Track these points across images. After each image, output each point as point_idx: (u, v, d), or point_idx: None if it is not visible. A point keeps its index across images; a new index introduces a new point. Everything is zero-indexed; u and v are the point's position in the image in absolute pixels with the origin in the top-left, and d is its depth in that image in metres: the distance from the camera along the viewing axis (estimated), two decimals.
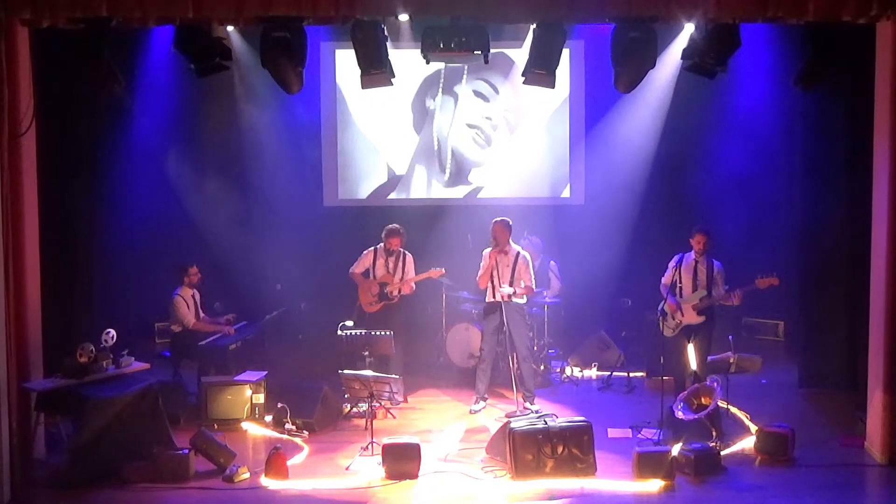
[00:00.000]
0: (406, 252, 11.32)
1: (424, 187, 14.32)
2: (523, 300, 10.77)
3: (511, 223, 10.66)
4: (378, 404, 10.10)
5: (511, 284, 10.53)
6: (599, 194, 13.90)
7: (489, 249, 10.69)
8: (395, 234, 11.18)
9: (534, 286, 10.74)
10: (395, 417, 10.50)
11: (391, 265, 11.23)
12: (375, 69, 9.25)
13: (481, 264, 10.72)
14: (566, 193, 14.27)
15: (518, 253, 10.67)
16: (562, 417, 9.11)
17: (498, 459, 8.93)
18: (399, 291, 11.20)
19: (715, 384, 9.42)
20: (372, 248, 11.37)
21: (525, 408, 10.41)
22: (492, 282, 10.59)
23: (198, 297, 11.43)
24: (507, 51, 13.62)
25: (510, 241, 10.65)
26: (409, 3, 8.68)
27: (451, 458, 9.19)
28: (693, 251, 10.14)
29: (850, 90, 10.36)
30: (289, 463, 8.79)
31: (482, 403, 10.78)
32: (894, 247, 8.80)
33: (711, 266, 10.07)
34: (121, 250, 12.65)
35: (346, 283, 11.53)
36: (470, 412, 10.67)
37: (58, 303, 9.89)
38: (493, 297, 10.61)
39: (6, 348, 8.32)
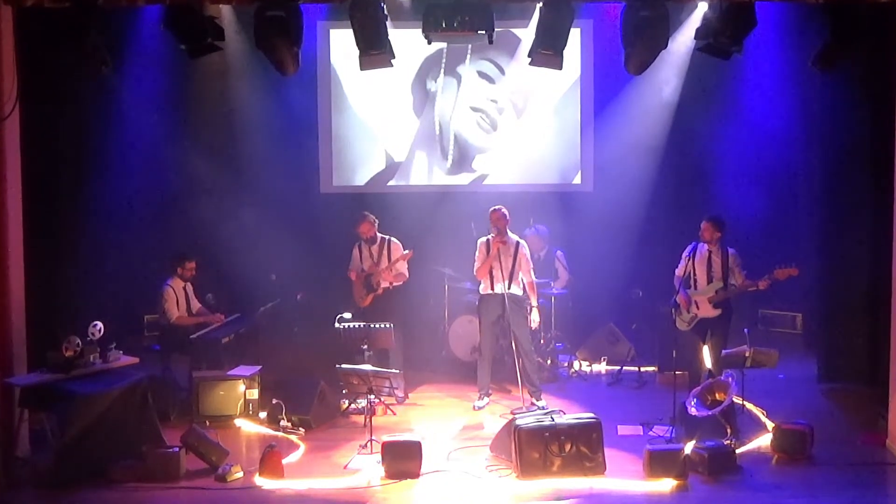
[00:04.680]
0: (391, 238, 11.31)
1: (425, 175, 14.28)
2: (521, 291, 10.79)
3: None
4: (378, 400, 10.11)
5: (512, 274, 10.55)
6: (609, 181, 13.87)
7: (485, 239, 10.72)
8: (360, 220, 11.19)
9: (534, 278, 10.76)
10: (395, 414, 10.52)
11: (375, 255, 11.23)
12: (375, 49, 9.24)
13: (477, 255, 10.73)
14: (577, 180, 14.24)
15: (518, 243, 10.72)
16: (569, 414, 9.11)
17: (503, 458, 8.93)
18: (391, 284, 11.18)
19: (730, 379, 9.41)
20: (356, 244, 11.40)
21: (532, 404, 10.42)
22: (490, 273, 10.60)
23: (190, 290, 11.44)
24: (513, 29, 13.58)
25: (508, 230, 10.68)
26: None
27: (454, 456, 9.19)
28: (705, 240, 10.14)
29: (870, 71, 10.34)
30: (284, 461, 8.79)
31: (486, 399, 10.79)
32: None
33: (726, 255, 10.04)
34: (108, 239, 12.66)
35: (343, 274, 11.55)
36: (473, 408, 10.69)
37: (42, 294, 9.88)
38: (492, 288, 10.63)
39: None
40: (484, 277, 10.70)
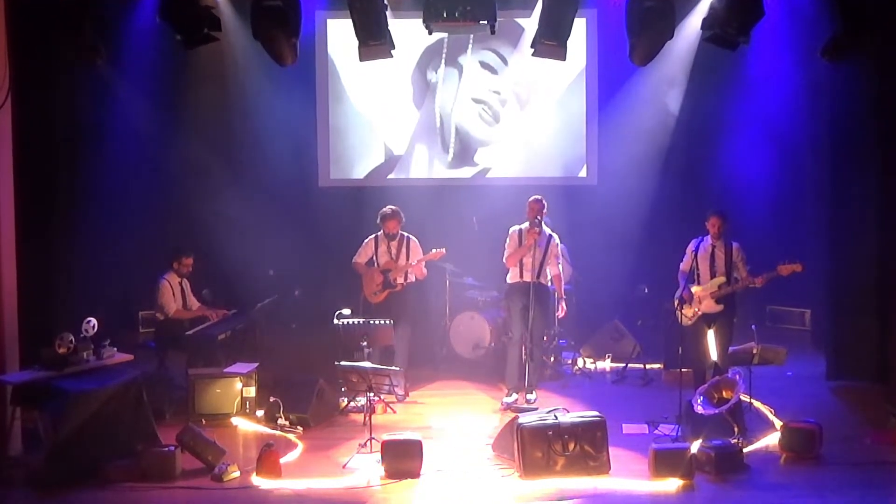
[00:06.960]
0: (410, 236, 11.28)
1: (425, 169, 14.25)
2: (549, 282, 10.77)
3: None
4: (378, 398, 10.10)
5: (542, 265, 10.53)
6: (614, 175, 13.88)
7: (518, 228, 10.66)
8: (390, 216, 11.13)
9: (560, 271, 10.75)
10: (395, 412, 10.49)
11: (394, 250, 11.20)
12: (374, 40, 9.25)
13: (507, 243, 10.68)
14: (583, 173, 14.22)
15: (550, 236, 10.68)
16: (573, 412, 9.08)
17: (505, 457, 8.92)
18: (405, 278, 11.17)
19: (737, 376, 9.40)
20: (372, 235, 11.32)
21: (527, 401, 10.39)
22: (521, 261, 10.56)
23: (187, 285, 11.44)
24: (516, 19, 13.54)
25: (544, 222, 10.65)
26: None
27: (455, 455, 9.16)
28: (710, 235, 10.13)
29: (880, 62, 10.31)
30: (282, 461, 8.77)
31: (514, 395, 10.58)
32: None
33: (730, 250, 10.04)
34: (103, 234, 12.65)
35: (342, 269, 11.53)
36: (502, 406, 10.51)
37: (35, 290, 9.88)
38: (521, 277, 10.58)
39: None
40: (514, 266, 10.66)
